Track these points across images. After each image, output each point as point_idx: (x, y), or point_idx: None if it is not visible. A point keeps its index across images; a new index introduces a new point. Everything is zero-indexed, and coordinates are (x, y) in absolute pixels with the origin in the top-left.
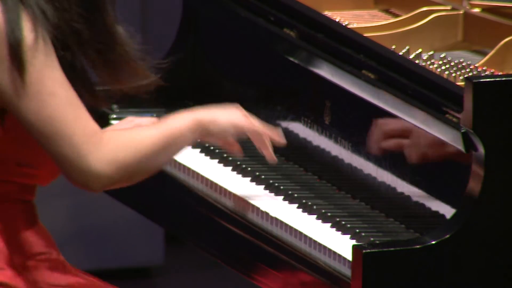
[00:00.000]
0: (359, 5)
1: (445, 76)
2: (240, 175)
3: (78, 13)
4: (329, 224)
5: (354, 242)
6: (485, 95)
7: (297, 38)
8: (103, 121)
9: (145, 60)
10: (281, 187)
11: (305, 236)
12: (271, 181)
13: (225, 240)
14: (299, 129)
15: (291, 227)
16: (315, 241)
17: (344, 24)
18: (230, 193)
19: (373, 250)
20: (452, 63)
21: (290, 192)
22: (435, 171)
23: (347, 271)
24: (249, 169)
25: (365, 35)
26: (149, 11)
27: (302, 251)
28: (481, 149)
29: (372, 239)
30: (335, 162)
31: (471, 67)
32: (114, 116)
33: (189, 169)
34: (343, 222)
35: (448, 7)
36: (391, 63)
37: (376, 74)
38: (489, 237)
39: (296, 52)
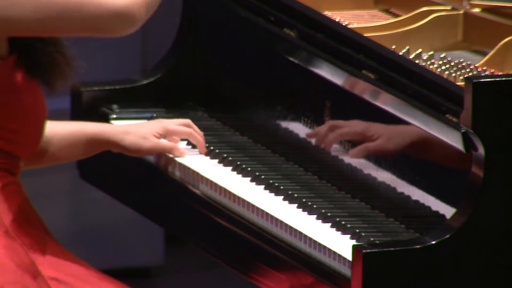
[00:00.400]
0: (359, 5)
1: (445, 76)
2: (240, 175)
3: None
4: (329, 224)
5: (354, 242)
6: (485, 95)
7: (297, 38)
8: (103, 120)
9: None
10: (281, 187)
11: (305, 236)
12: (271, 181)
13: (225, 240)
14: (299, 129)
15: (291, 227)
16: (315, 241)
17: (344, 24)
18: (230, 193)
19: (373, 250)
20: (452, 63)
21: (290, 192)
22: (435, 171)
23: (347, 271)
24: (249, 169)
25: (365, 35)
26: None
27: (302, 251)
28: (481, 149)
29: (372, 239)
30: (335, 162)
31: (471, 67)
32: (114, 116)
33: (189, 169)
34: (343, 222)
35: (448, 7)
36: (391, 63)
37: (376, 74)
38: (489, 237)
39: (296, 52)
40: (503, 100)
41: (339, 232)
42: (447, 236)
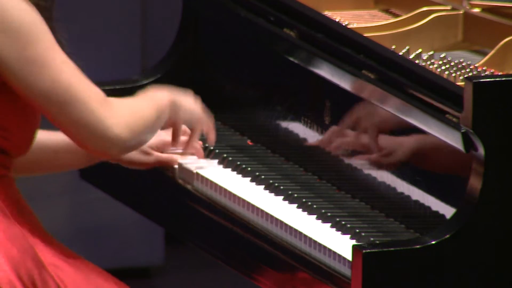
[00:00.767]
0: (359, 5)
1: (445, 76)
2: (240, 175)
3: None
4: (329, 224)
5: (354, 242)
6: (485, 95)
7: (297, 38)
8: None
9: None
10: (281, 187)
11: (305, 236)
12: (271, 181)
13: (225, 240)
14: (299, 129)
15: (291, 227)
16: (315, 241)
17: (344, 24)
18: (230, 193)
19: (373, 250)
20: (452, 63)
21: (290, 192)
22: (435, 171)
23: (347, 271)
24: (249, 169)
25: (365, 35)
26: (149, 11)
27: (302, 251)
28: (481, 149)
29: (372, 239)
30: (335, 162)
31: (471, 67)
32: None
33: (188, 169)
34: (343, 222)
35: (448, 7)
36: (391, 63)
37: (376, 74)
38: (489, 237)
39: (296, 52)
40: (503, 100)
41: (339, 232)
42: (447, 236)
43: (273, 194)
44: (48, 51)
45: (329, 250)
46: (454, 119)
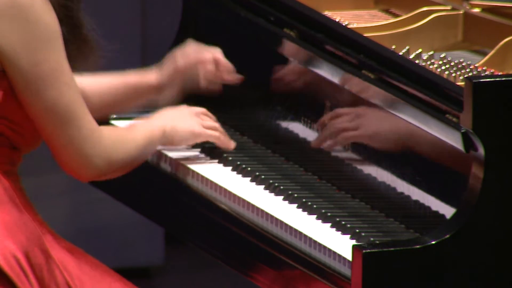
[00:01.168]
0: (359, 5)
1: (445, 76)
2: (240, 175)
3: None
4: (329, 224)
5: (354, 242)
6: (485, 95)
7: (297, 38)
8: (103, 120)
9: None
10: (281, 187)
11: (305, 236)
12: (271, 181)
13: (225, 240)
14: (299, 129)
15: (291, 227)
16: (315, 241)
17: (344, 24)
18: (230, 193)
19: (373, 250)
20: (452, 63)
21: (290, 192)
22: (435, 171)
23: (347, 271)
24: (249, 169)
25: (365, 35)
26: (149, 11)
27: (302, 251)
28: (481, 149)
29: (372, 239)
30: (335, 162)
31: (471, 67)
32: (114, 116)
33: (188, 169)
34: (343, 222)
35: (448, 7)
36: (391, 63)
37: (376, 74)
38: (489, 237)
39: (296, 52)
40: (503, 100)
41: (339, 232)
42: (447, 236)
43: (273, 194)
44: (59, 69)
45: (329, 250)
46: (454, 119)
